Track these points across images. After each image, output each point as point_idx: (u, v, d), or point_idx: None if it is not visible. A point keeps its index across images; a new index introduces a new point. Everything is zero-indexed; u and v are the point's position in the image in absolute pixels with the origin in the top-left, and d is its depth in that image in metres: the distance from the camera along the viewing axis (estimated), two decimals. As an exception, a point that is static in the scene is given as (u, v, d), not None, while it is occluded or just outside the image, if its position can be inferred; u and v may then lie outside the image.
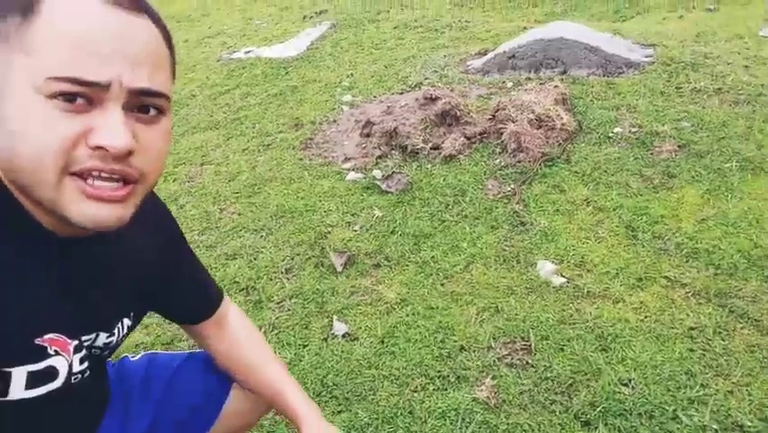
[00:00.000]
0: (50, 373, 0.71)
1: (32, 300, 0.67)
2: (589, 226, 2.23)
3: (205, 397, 1.07)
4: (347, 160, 2.98)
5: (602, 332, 1.79)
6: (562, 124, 2.69)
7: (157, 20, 0.65)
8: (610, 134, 2.66)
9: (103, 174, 0.61)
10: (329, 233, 2.48)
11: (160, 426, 1.04)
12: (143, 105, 0.63)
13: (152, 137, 0.65)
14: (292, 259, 2.37)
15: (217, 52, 4.90)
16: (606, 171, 2.47)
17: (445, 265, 2.18)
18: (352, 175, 2.82)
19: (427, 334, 1.91)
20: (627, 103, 2.83)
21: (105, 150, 0.59)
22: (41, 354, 0.69)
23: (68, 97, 0.58)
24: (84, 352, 0.76)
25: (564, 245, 2.16)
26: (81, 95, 0.59)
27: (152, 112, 0.64)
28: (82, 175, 0.60)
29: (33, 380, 0.69)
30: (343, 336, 1.97)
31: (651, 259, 2.01)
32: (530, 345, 1.80)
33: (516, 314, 1.92)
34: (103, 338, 0.80)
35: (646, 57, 3.16)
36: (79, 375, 0.76)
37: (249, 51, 4.65)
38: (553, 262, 2.10)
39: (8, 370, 0.66)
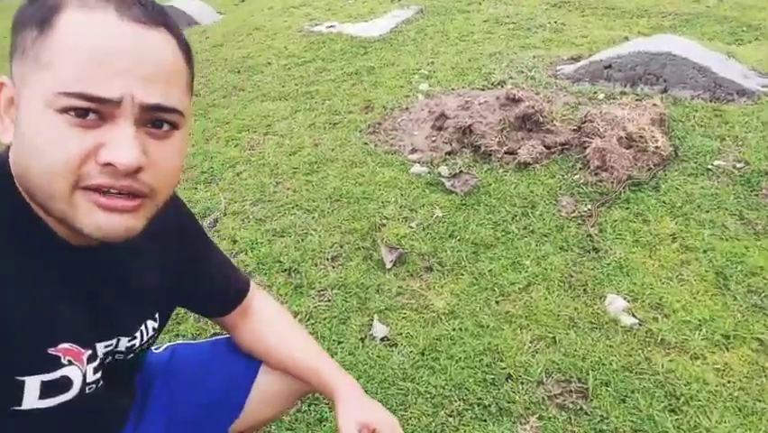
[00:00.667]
0: (64, 384, 0.70)
1: (45, 310, 0.67)
2: (673, 265, 1.98)
3: (231, 381, 1.04)
4: (414, 151, 2.81)
5: (674, 390, 1.57)
6: (656, 147, 2.43)
7: (176, 34, 0.64)
8: (710, 166, 2.38)
9: (112, 190, 0.60)
10: (383, 225, 2.33)
11: (177, 423, 1.01)
12: (156, 120, 0.62)
13: (164, 153, 0.63)
14: (341, 246, 2.24)
15: (300, 23, 4.81)
16: (699, 207, 2.20)
17: (503, 281, 2.00)
18: (416, 168, 2.65)
19: (473, 354, 1.73)
20: (735, 134, 2.53)
21: (113, 166, 0.59)
22: (55, 363, 0.68)
23: (80, 113, 0.58)
24: (98, 362, 0.75)
25: (641, 282, 1.93)
26: (92, 110, 0.58)
27: (165, 127, 0.63)
28: (93, 189, 0.60)
29: (47, 390, 0.68)
30: (382, 339, 1.82)
31: (742, 315, 1.75)
32: (587, 389, 1.60)
33: (576, 350, 1.72)
34: (125, 343, 0.80)
35: (763, 86, 2.83)
36: (93, 385, 0.75)
37: (331, 26, 4.54)
38: (625, 298, 1.87)
39: (21, 379, 0.66)
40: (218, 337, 1.12)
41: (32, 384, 0.67)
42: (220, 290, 1.00)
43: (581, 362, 1.67)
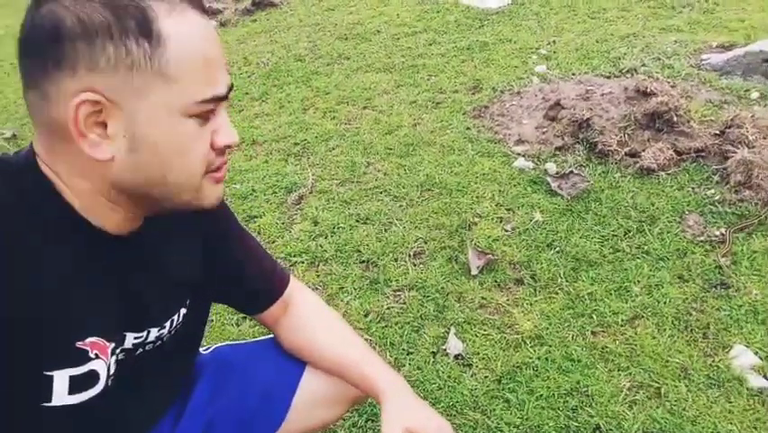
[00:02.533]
0: (92, 378, 0.69)
1: (76, 303, 0.66)
2: (826, 320, 1.61)
3: (274, 384, 1.00)
4: (520, 142, 2.54)
5: (809, 484, 1.26)
6: (821, 167, 1.99)
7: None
8: None
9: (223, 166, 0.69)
10: (475, 224, 2.11)
11: (218, 425, 0.97)
12: None
13: None
14: (425, 242, 2.06)
15: (416, -11, 4.57)
16: None
17: (604, 309, 1.72)
18: (520, 162, 2.39)
19: (557, 392, 1.50)
20: None
21: (230, 147, 0.68)
22: (83, 357, 0.68)
23: (204, 114, 0.64)
24: (125, 353, 0.75)
25: (779, 335, 1.58)
26: (212, 108, 0.65)
27: None
28: (214, 171, 0.68)
29: (75, 384, 0.68)
30: (456, 357, 1.64)
31: None
32: (693, 461, 1.32)
33: (685, 409, 1.43)
34: (154, 333, 0.78)
35: None
36: (113, 376, 0.73)
37: (448, -6, 4.26)
38: (756, 352, 1.54)
39: (49, 373, 0.66)
40: (262, 338, 1.09)
41: (61, 379, 0.66)
42: (257, 284, 0.96)
43: (690, 425, 1.39)
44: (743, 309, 1.67)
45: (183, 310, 0.83)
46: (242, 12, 4.66)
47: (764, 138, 2.10)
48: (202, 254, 0.85)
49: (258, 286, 0.96)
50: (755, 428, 1.38)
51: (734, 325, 1.63)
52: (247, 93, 3.32)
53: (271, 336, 1.03)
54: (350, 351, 0.96)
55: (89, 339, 0.68)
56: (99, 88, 0.58)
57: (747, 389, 1.46)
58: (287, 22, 4.39)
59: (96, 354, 0.69)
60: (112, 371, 0.72)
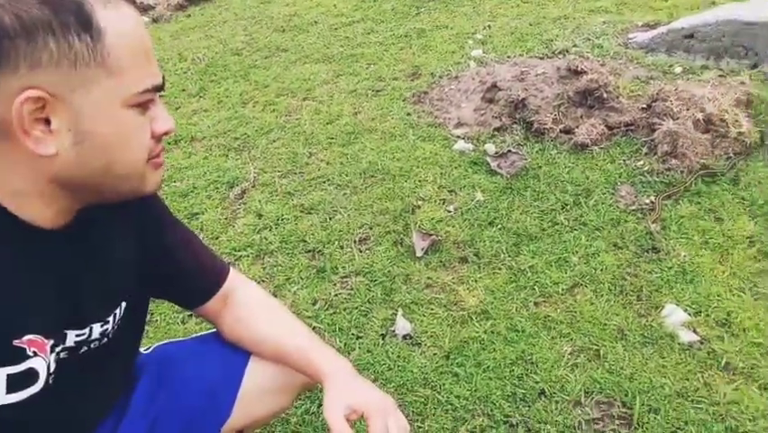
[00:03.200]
0: (30, 376, 0.68)
1: (13, 299, 0.65)
2: (747, 275, 1.71)
3: (219, 378, 0.98)
4: (460, 125, 2.58)
5: (736, 426, 1.34)
6: (739, 133, 2.11)
7: None
8: (803, 158, 2.05)
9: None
10: (418, 207, 2.14)
11: (163, 423, 0.96)
12: None
13: None
14: (370, 228, 2.07)
15: (352, -20, 4.55)
16: (786, 207, 1.89)
17: (545, 280, 1.78)
18: (460, 144, 2.43)
19: (503, 363, 1.55)
20: (837, 122, 2.17)
21: (168, 133, 0.71)
22: (20, 355, 0.66)
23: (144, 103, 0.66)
24: (67, 351, 0.74)
25: (706, 292, 1.67)
26: (152, 96, 0.68)
27: None
28: (154, 157, 0.70)
29: (13, 383, 0.66)
30: (405, 337, 1.66)
31: (829, 342, 1.48)
32: (632, 416, 1.39)
33: (622, 367, 1.50)
34: (98, 329, 0.78)
35: None
36: (54, 375, 0.72)
37: (384, -16, 4.26)
38: (685, 310, 1.63)
39: None
40: (204, 333, 1.07)
41: None
42: (195, 277, 0.95)
43: (628, 382, 1.46)
44: (672, 271, 1.75)
45: (124, 304, 0.83)
46: (174, 7, 4.54)
47: (688, 110, 2.20)
48: (137, 248, 0.84)
49: (196, 279, 0.95)
50: (687, 380, 1.46)
51: (665, 286, 1.72)
52: (184, 89, 3.24)
53: (214, 330, 1.02)
54: (293, 338, 0.96)
55: (27, 337, 0.66)
56: (42, 85, 0.58)
57: (679, 344, 1.54)
58: (222, 16, 4.31)
59: (35, 352, 0.68)
60: (52, 369, 0.71)
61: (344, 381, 0.89)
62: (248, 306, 0.99)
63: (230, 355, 0.99)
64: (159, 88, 0.68)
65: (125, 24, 0.63)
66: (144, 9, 4.54)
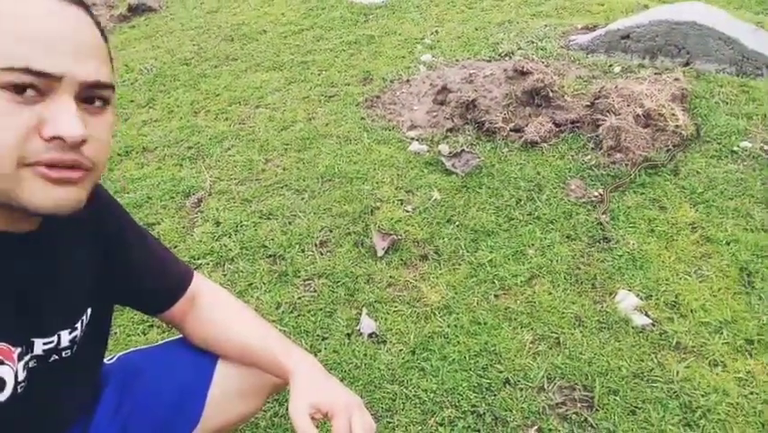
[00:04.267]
0: None
1: None
2: (692, 259, 1.81)
3: (186, 384, 0.97)
4: (413, 127, 2.62)
5: (690, 401, 1.41)
6: (676, 126, 2.23)
7: (91, 13, 0.66)
8: (735, 148, 2.18)
9: (60, 165, 0.61)
10: (377, 208, 2.16)
11: (134, 431, 0.94)
12: (91, 96, 0.63)
13: (99, 127, 0.65)
14: (330, 231, 2.08)
15: (299, -12, 4.57)
16: (723, 193, 2.01)
17: (504, 273, 1.83)
18: (415, 146, 2.47)
19: (468, 355, 1.58)
20: (764, 112, 2.32)
21: (62, 140, 0.59)
22: None
23: (18, 89, 0.58)
24: (36, 360, 0.72)
25: (655, 277, 1.76)
26: (31, 85, 0.58)
27: (98, 103, 0.64)
28: (41, 165, 0.60)
29: None
30: (370, 335, 1.67)
31: (768, 317, 1.59)
32: (593, 398, 1.44)
33: (581, 353, 1.56)
34: (66, 337, 0.76)
35: (795, 60, 2.60)
36: (24, 383, 0.70)
37: (332, -8, 4.30)
38: (637, 295, 1.70)
39: None
40: (170, 339, 1.05)
41: None
42: (158, 282, 0.93)
43: (587, 367, 1.52)
44: (623, 259, 1.84)
45: (89, 310, 0.81)
46: (117, 18, 4.43)
47: (628, 106, 2.32)
48: (100, 254, 0.83)
49: (160, 283, 0.94)
50: (642, 361, 1.52)
51: (617, 273, 1.79)
52: (132, 100, 3.17)
53: (179, 337, 1.01)
54: (260, 338, 0.95)
55: None
56: None
57: (633, 328, 1.62)
58: (168, 26, 4.23)
59: (1, 360, 0.66)
60: (21, 378, 0.69)
61: (310, 379, 0.88)
62: (213, 308, 0.98)
63: (197, 359, 0.98)
64: (39, 74, 0.58)
65: (13, 4, 0.59)
66: (85, 20, 4.41)
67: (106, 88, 0.65)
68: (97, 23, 0.66)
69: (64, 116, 0.59)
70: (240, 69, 3.37)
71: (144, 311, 1.01)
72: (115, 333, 1.71)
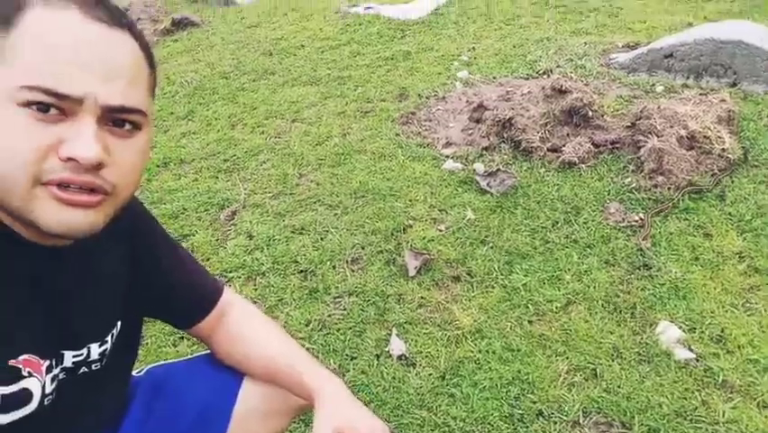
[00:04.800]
0: (24, 397, 0.66)
1: (7, 318, 0.64)
2: (739, 291, 1.72)
3: (211, 401, 0.96)
4: (448, 145, 2.60)
5: (736, 443, 1.34)
6: (723, 150, 2.15)
7: (138, 36, 0.65)
8: (786, 174, 2.09)
9: (72, 186, 0.60)
10: (410, 227, 2.13)
11: None
12: (118, 119, 0.63)
13: (126, 152, 0.64)
14: (362, 248, 2.06)
15: (337, 4, 4.61)
16: (773, 222, 1.92)
17: (539, 298, 1.78)
18: (450, 164, 2.44)
19: (500, 382, 1.53)
20: (816, 137, 2.22)
21: (75, 161, 0.59)
22: (15, 375, 0.65)
23: (42, 107, 0.58)
24: (57, 371, 0.71)
25: (699, 309, 1.68)
26: (55, 106, 0.58)
27: (127, 126, 0.64)
28: (54, 185, 0.60)
29: (7, 403, 0.64)
30: (399, 357, 1.64)
31: (822, 355, 1.50)
32: (631, 434, 1.38)
33: (619, 386, 1.49)
34: (96, 350, 0.76)
35: None
36: (51, 396, 0.70)
37: (369, 8, 4.33)
38: (680, 327, 1.63)
39: None
40: (197, 354, 1.05)
41: None
42: (188, 296, 0.93)
43: (626, 401, 1.45)
44: (665, 288, 1.76)
45: (119, 324, 0.81)
46: (161, 32, 4.55)
47: (671, 127, 2.24)
48: (131, 268, 0.83)
49: (190, 298, 0.94)
50: (685, 399, 1.45)
51: (658, 303, 1.72)
52: (172, 112, 3.23)
53: (207, 351, 1.00)
54: (286, 357, 0.94)
55: (22, 357, 0.65)
56: None
57: (675, 362, 1.55)
58: (209, 40, 4.32)
59: (30, 373, 0.66)
60: (48, 390, 0.69)
61: (334, 402, 0.86)
62: (241, 324, 0.97)
63: (223, 377, 0.97)
64: (64, 97, 0.58)
65: (48, 24, 0.59)
66: (130, 33, 4.54)
67: (135, 113, 0.63)
68: (144, 49, 0.66)
69: (81, 138, 0.59)
70: (277, 84, 3.41)
71: (174, 325, 1.01)
72: (147, 343, 1.72)
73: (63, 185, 0.60)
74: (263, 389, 0.96)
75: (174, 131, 3.02)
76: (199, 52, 4.09)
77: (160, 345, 1.72)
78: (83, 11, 0.60)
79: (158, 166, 2.67)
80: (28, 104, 0.58)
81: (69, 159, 0.59)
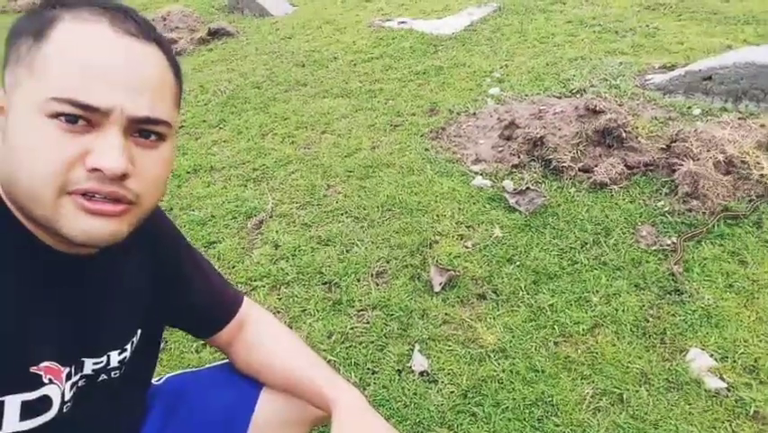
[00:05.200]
0: (44, 403, 0.67)
1: (30, 325, 0.64)
2: (775, 321, 1.67)
3: (229, 409, 0.97)
4: (478, 161, 2.59)
5: (768, 480, 1.28)
6: (761, 176, 2.09)
7: (167, 49, 0.67)
8: (827, 202, 2.02)
9: (97, 196, 0.61)
10: (436, 242, 2.12)
11: None
12: (144, 130, 0.64)
13: (150, 162, 0.65)
14: (387, 262, 2.05)
15: (371, 17, 4.66)
16: (812, 251, 1.86)
17: (565, 319, 1.75)
18: (478, 180, 2.43)
19: (523, 403, 1.51)
20: None
21: (101, 172, 0.60)
22: (36, 382, 0.65)
23: (70, 118, 0.59)
24: (76, 378, 0.72)
25: (732, 337, 1.63)
26: (82, 117, 0.60)
27: (153, 137, 0.65)
28: (79, 194, 0.61)
29: (27, 410, 0.65)
30: (421, 373, 1.63)
31: None
32: (658, 465, 1.34)
33: (647, 413, 1.45)
34: (116, 357, 0.77)
35: None
36: (70, 403, 0.71)
37: (403, 22, 4.36)
38: (711, 355, 1.58)
39: (1, 399, 0.63)
40: (215, 364, 1.07)
41: (12, 405, 0.64)
42: (208, 306, 0.94)
43: (653, 429, 1.41)
44: (697, 314, 1.72)
45: (139, 331, 0.82)
46: (197, 41, 4.65)
47: (708, 151, 2.20)
48: (153, 277, 0.84)
49: (210, 309, 0.95)
50: (715, 429, 1.41)
51: (689, 329, 1.68)
52: (204, 120, 3.29)
53: (226, 361, 1.01)
54: (305, 368, 0.94)
55: (43, 364, 0.66)
56: (6, 83, 0.63)
57: (705, 390, 1.50)
58: (243, 50, 4.40)
59: (50, 379, 0.67)
60: (67, 397, 0.70)
61: (352, 414, 0.86)
62: (261, 335, 0.97)
63: (241, 387, 0.98)
64: (90, 109, 0.59)
65: (77, 37, 0.60)
66: (168, 42, 4.65)
67: (161, 124, 0.65)
68: (171, 61, 0.68)
69: (107, 149, 0.60)
70: (309, 95, 3.44)
71: (194, 334, 1.01)
72: (169, 348, 1.74)
73: (88, 194, 0.61)
74: (281, 399, 0.96)
75: (205, 138, 3.07)
76: (233, 62, 4.17)
77: (183, 351, 1.73)
78: (113, 24, 0.61)
79: (188, 173, 2.72)
80: (56, 115, 0.59)
81: (95, 169, 0.60)
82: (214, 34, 4.69)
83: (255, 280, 2.02)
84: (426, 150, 2.72)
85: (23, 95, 0.60)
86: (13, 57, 0.62)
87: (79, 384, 0.73)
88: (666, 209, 2.12)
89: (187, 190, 2.60)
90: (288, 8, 5.31)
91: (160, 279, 0.85)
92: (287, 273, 2.04)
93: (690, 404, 1.47)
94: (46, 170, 0.59)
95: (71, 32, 0.60)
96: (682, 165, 2.18)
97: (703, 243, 1.98)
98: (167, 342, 1.77)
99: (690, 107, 2.68)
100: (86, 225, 0.62)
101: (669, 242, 1.99)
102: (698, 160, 2.17)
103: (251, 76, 3.84)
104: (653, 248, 1.99)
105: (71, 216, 0.61)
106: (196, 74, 4.04)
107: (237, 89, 3.64)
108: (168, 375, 1.04)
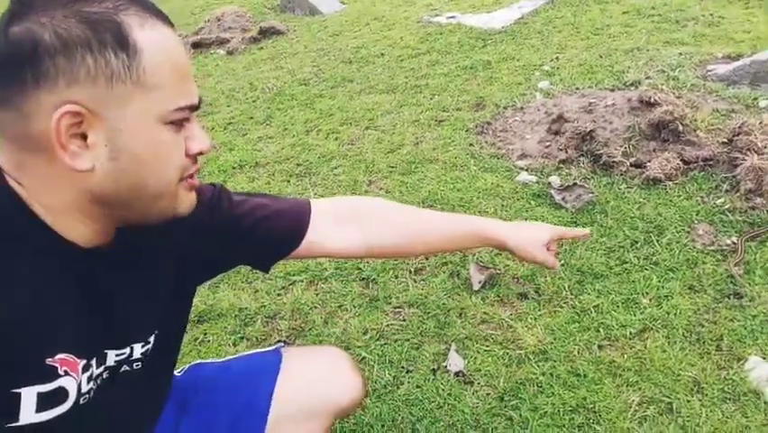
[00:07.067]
0: (61, 395, 0.67)
1: (48, 317, 0.65)
2: None
3: (248, 400, 0.97)
4: (523, 156, 2.50)
5: (835, 503, 1.17)
6: (834, 172, 1.92)
7: None
8: None
9: (196, 173, 0.72)
10: (477, 239, 2.06)
11: None
12: None
13: None
14: (426, 259, 2.01)
15: (419, 13, 4.61)
16: None
17: (611, 322, 1.66)
18: (524, 176, 2.35)
19: (563, 409, 1.43)
20: None
21: (202, 153, 0.70)
22: (52, 374, 0.66)
23: (180, 120, 0.66)
24: (91, 371, 0.71)
25: (797, 346, 1.50)
26: (188, 115, 0.68)
27: None
28: (188, 178, 0.71)
29: (43, 402, 0.65)
30: (457, 374, 1.58)
31: None
32: (708, 480, 1.24)
33: (698, 425, 1.35)
34: (139, 349, 0.77)
35: None
36: (87, 395, 0.71)
37: (452, 17, 4.29)
38: (773, 364, 1.46)
39: (17, 391, 0.63)
40: (235, 356, 1.10)
41: (29, 396, 0.64)
42: (276, 229, 0.92)
43: (705, 442, 1.31)
44: (757, 320, 1.59)
45: (162, 325, 0.82)
46: (248, 40, 4.73)
47: (774, 145, 2.04)
48: (175, 254, 0.82)
49: (276, 234, 0.92)
50: (774, 444, 1.30)
51: (748, 336, 1.56)
52: (251, 117, 3.34)
53: (245, 352, 1.02)
54: (448, 222, 1.06)
55: (59, 355, 0.66)
56: (80, 100, 0.59)
57: (765, 402, 1.38)
58: (292, 48, 4.44)
59: (66, 372, 0.67)
60: (84, 389, 0.70)
61: (521, 230, 1.04)
62: (378, 214, 1.02)
63: (259, 377, 0.99)
64: (194, 108, 0.68)
65: (162, 44, 0.64)
66: (220, 42, 4.77)
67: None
68: None
69: (201, 134, 0.70)
70: (354, 91, 3.44)
71: (277, 257, 0.98)
72: (208, 341, 1.76)
73: (194, 174, 0.72)
74: (299, 388, 0.97)
75: (252, 135, 3.11)
76: (282, 60, 4.22)
77: (221, 344, 1.75)
78: (166, 23, 0.66)
79: (233, 168, 2.76)
80: (173, 121, 0.65)
81: (199, 153, 0.70)
82: (265, 33, 4.76)
83: (293, 275, 2.02)
84: (471, 145, 2.65)
85: (139, 109, 0.62)
86: (93, 73, 0.59)
87: (104, 376, 0.73)
88: (726, 207, 1.99)
89: (231, 185, 2.64)
90: (337, 6, 5.33)
91: (190, 245, 0.83)
92: (324, 269, 2.03)
93: (746, 417, 1.36)
94: (174, 172, 0.68)
95: (152, 38, 0.63)
96: (745, 160, 2.03)
97: (766, 243, 1.83)
98: (205, 333, 1.79)
99: (755, 99, 2.50)
100: (192, 200, 0.73)
101: (728, 242, 1.86)
102: (763, 154, 2.02)
103: (298, 73, 3.87)
104: (711, 248, 1.86)
105: (184, 197, 0.71)
106: (245, 72, 4.10)
107: (284, 86, 3.68)
108: (189, 366, 1.05)
